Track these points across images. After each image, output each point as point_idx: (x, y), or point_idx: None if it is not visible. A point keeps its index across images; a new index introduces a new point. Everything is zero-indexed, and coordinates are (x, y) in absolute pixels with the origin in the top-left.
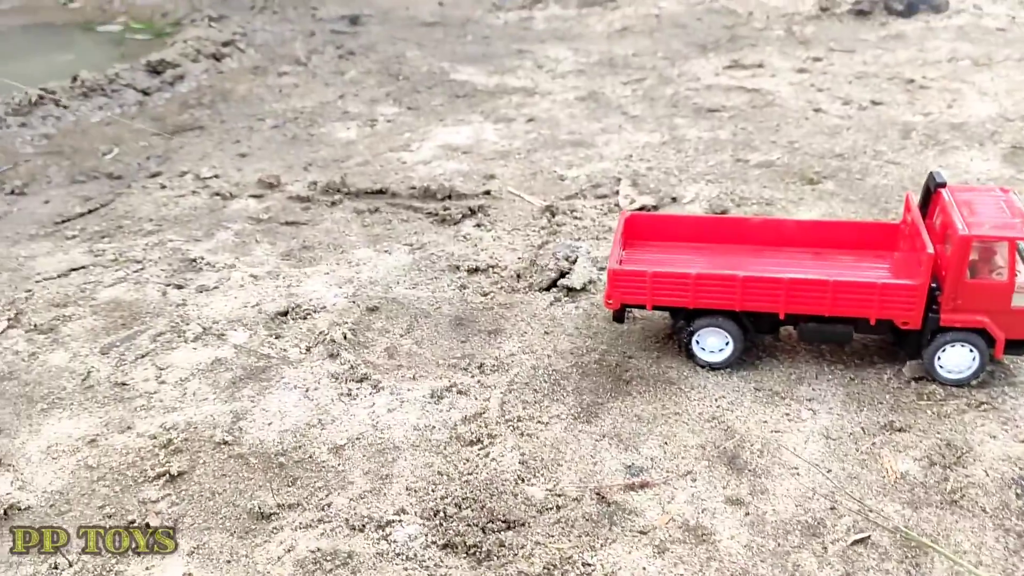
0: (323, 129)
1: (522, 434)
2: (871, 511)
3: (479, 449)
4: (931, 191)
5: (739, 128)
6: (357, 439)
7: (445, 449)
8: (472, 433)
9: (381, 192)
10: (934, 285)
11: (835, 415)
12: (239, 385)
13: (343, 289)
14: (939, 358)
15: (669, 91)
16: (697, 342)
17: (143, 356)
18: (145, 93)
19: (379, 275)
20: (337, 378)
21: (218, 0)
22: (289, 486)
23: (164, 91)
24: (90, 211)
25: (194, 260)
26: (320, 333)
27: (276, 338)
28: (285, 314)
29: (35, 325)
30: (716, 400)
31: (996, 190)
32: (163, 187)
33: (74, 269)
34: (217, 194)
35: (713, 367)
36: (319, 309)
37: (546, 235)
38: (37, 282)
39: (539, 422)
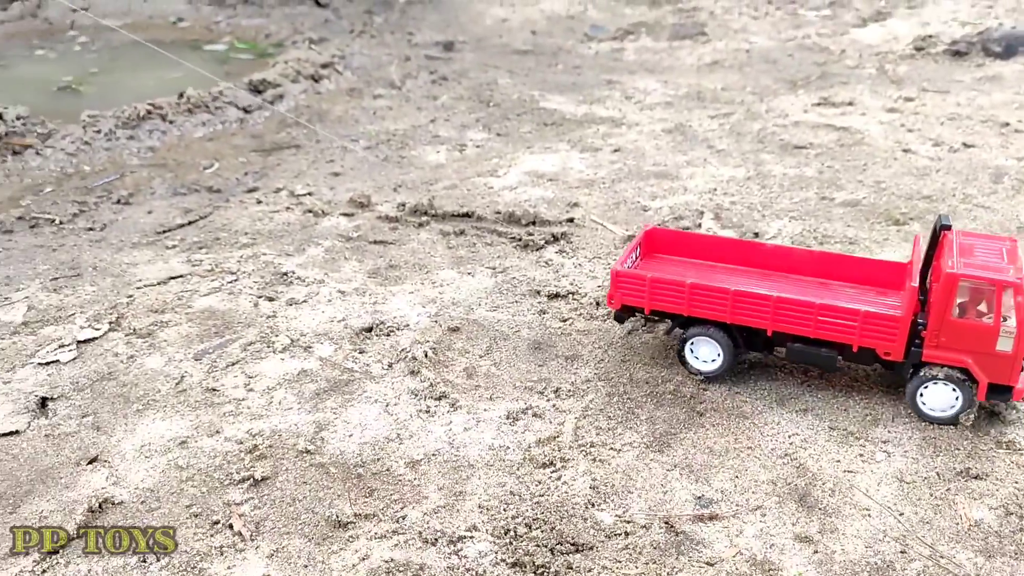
0: (414, 152)
1: (594, 459)
2: (942, 557)
3: (551, 472)
4: (938, 233)
5: (826, 166)
6: (433, 455)
7: (518, 470)
8: (545, 456)
9: (467, 216)
10: (921, 320)
11: (910, 458)
12: (323, 397)
13: (426, 309)
14: (921, 395)
15: (756, 126)
16: (691, 350)
17: (233, 364)
18: (246, 111)
19: (461, 296)
20: (417, 395)
21: (319, 23)
22: (366, 497)
23: (264, 109)
24: (190, 223)
25: (285, 274)
26: (402, 350)
27: (360, 353)
28: (369, 330)
29: (134, 329)
30: (789, 437)
31: (1005, 239)
32: (259, 202)
33: (173, 277)
34: (310, 211)
35: (705, 376)
36: (402, 327)
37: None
38: (138, 288)
39: (612, 448)
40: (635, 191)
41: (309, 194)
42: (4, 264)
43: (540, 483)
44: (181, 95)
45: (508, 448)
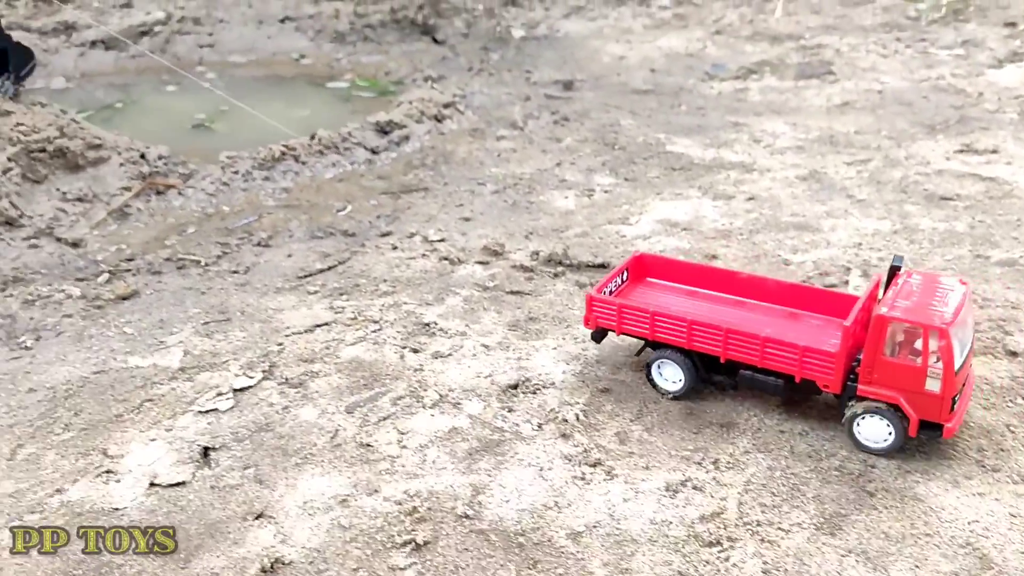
0: (542, 197)
1: (763, 540)
2: None
3: (719, 551)
4: (892, 273)
5: (976, 220)
6: (594, 527)
7: (683, 547)
8: (710, 533)
9: (603, 266)
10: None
11: None
12: (475, 457)
13: (570, 366)
14: (858, 425)
15: (897, 174)
16: (659, 371)
17: (385, 418)
18: (374, 152)
19: (605, 354)
20: (570, 460)
21: (437, 60)
22: (530, 568)
23: (391, 150)
24: (329, 267)
25: (428, 324)
26: (551, 411)
27: (508, 411)
28: (515, 387)
29: (286, 379)
30: (969, 523)
31: (956, 281)
32: (394, 248)
33: (318, 325)
34: (445, 259)
35: (671, 396)
36: (548, 385)
37: None
38: (287, 336)
39: (780, 528)
40: (775, 243)
41: (442, 240)
42: (157, 306)
43: (708, 563)
44: (313, 136)
45: (671, 523)
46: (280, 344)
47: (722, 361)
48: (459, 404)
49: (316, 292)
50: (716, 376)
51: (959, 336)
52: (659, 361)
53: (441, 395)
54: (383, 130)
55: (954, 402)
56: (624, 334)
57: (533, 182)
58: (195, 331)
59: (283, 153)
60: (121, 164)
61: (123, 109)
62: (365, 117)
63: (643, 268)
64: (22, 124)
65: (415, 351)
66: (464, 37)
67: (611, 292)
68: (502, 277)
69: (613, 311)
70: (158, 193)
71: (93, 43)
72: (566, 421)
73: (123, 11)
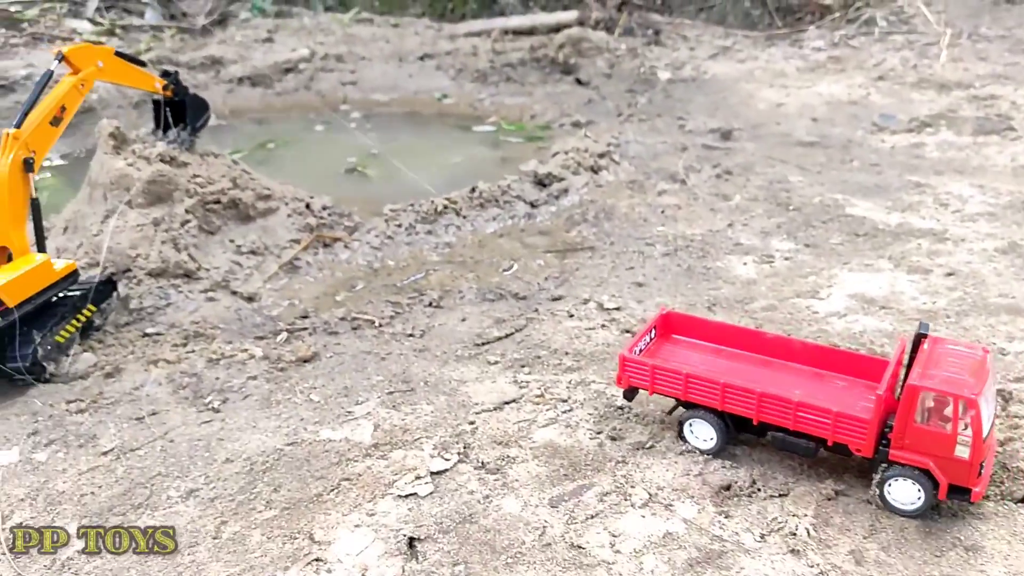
0: (718, 263)
1: None
2: None
3: None
4: (917, 340)
5: None
6: None
7: None
8: None
9: None
10: (891, 422)
11: None
12: (697, 570)
13: (783, 465)
14: (889, 488)
15: None
16: (691, 430)
17: (593, 517)
18: (533, 205)
19: (822, 453)
20: None
21: (583, 103)
22: None
23: (550, 204)
24: (506, 335)
25: (621, 409)
26: (773, 519)
27: (726, 518)
28: (728, 488)
29: (483, 463)
30: None
31: (978, 349)
32: (570, 316)
33: (506, 402)
34: (627, 331)
35: (703, 453)
36: (764, 488)
37: (1007, 428)
38: (477, 413)
39: None
40: (987, 329)
41: (618, 309)
42: (339, 372)
43: None
44: (473, 190)
45: None
46: (472, 423)
47: (755, 423)
48: (671, 506)
49: (497, 363)
50: (745, 433)
51: (986, 405)
52: (691, 420)
53: (650, 494)
54: (541, 183)
55: (981, 467)
56: (657, 393)
57: (706, 244)
58: (381, 401)
59: (445, 207)
60: (289, 215)
61: (275, 150)
62: (519, 167)
63: (670, 325)
64: (198, 176)
65: (613, 439)
66: (607, 78)
67: (640, 351)
68: None
69: (646, 372)
70: (325, 246)
71: (240, 79)
72: (794, 535)
73: (265, 46)
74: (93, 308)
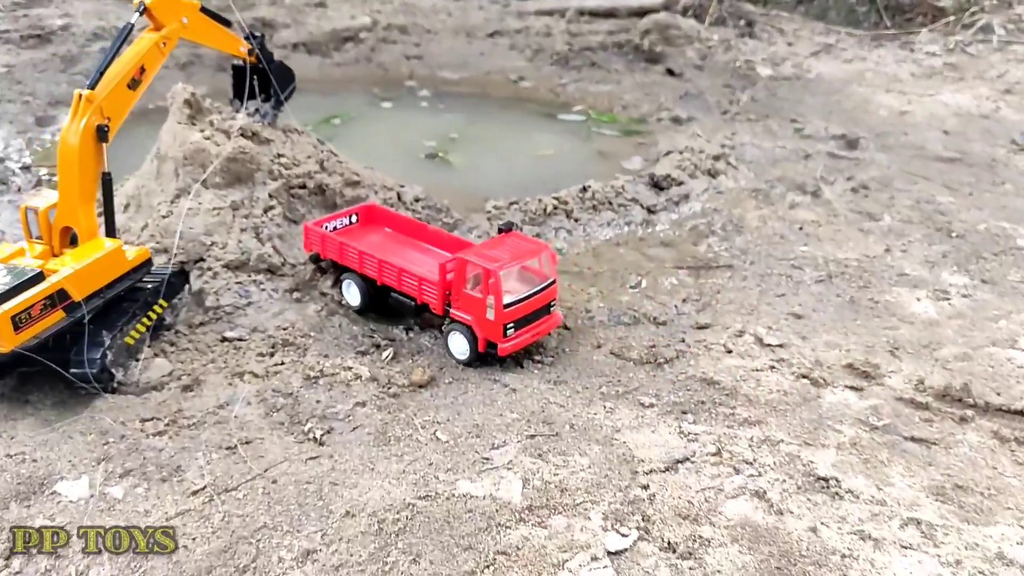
0: (886, 296)
1: None
2: None
3: None
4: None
5: None
6: None
7: None
8: None
9: (1021, 413)
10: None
11: None
12: None
13: None
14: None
15: None
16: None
17: None
18: (650, 211)
19: None
20: None
21: (678, 96)
22: None
23: (669, 211)
24: (656, 367)
25: (825, 480)
26: None
27: None
28: None
29: (669, 543)
30: None
31: (541, 246)
32: (728, 351)
33: (678, 461)
34: (804, 376)
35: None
36: None
37: None
38: (647, 473)
39: None
40: None
41: (782, 345)
42: (464, 404)
43: None
44: (584, 189)
45: None
46: (644, 487)
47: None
48: None
49: (652, 405)
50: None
51: (512, 280)
52: (346, 280)
53: None
54: (658, 185)
55: (506, 329)
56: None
57: (864, 272)
58: (523, 447)
59: (555, 207)
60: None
61: (341, 127)
62: (621, 164)
63: (374, 217)
64: (282, 156)
65: (826, 525)
66: (698, 70)
67: (335, 228)
68: (888, 413)
69: (318, 240)
70: None
71: (295, 45)
72: None
73: (319, 11)
74: (164, 304)
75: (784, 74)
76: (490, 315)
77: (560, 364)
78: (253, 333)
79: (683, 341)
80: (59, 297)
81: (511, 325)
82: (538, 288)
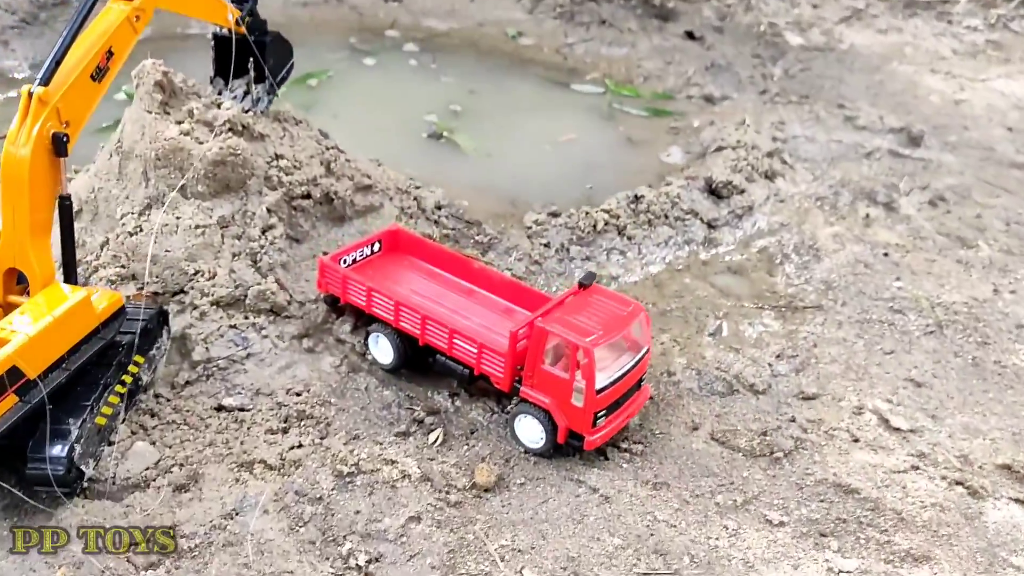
0: (1013, 359)
1: None
2: None
3: None
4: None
5: None
6: None
7: None
8: None
9: None
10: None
11: None
12: None
13: None
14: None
15: None
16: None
17: None
18: (711, 226)
19: None
20: None
21: (703, 67)
22: None
23: (732, 226)
24: (768, 462)
25: None
26: None
27: None
28: None
29: None
30: None
31: (631, 304)
32: (854, 439)
33: None
34: (958, 483)
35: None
36: None
37: None
38: None
39: None
40: None
41: (913, 431)
42: (548, 521)
43: None
44: (636, 199)
45: None
46: None
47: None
48: None
49: (782, 524)
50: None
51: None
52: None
53: None
54: (716, 193)
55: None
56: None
57: (977, 322)
58: None
59: (605, 223)
60: (397, 216)
61: (321, 89)
62: (659, 157)
63: (397, 242)
64: (282, 157)
65: None
66: (719, 32)
67: (355, 260)
68: None
69: (338, 280)
70: None
71: None
72: None
73: None
74: (141, 360)
75: (815, 43)
76: (577, 401)
77: (654, 454)
78: (257, 398)
79: (793, 420)
80: (9, 377)
81: (602, 412)
82: (633, 362)
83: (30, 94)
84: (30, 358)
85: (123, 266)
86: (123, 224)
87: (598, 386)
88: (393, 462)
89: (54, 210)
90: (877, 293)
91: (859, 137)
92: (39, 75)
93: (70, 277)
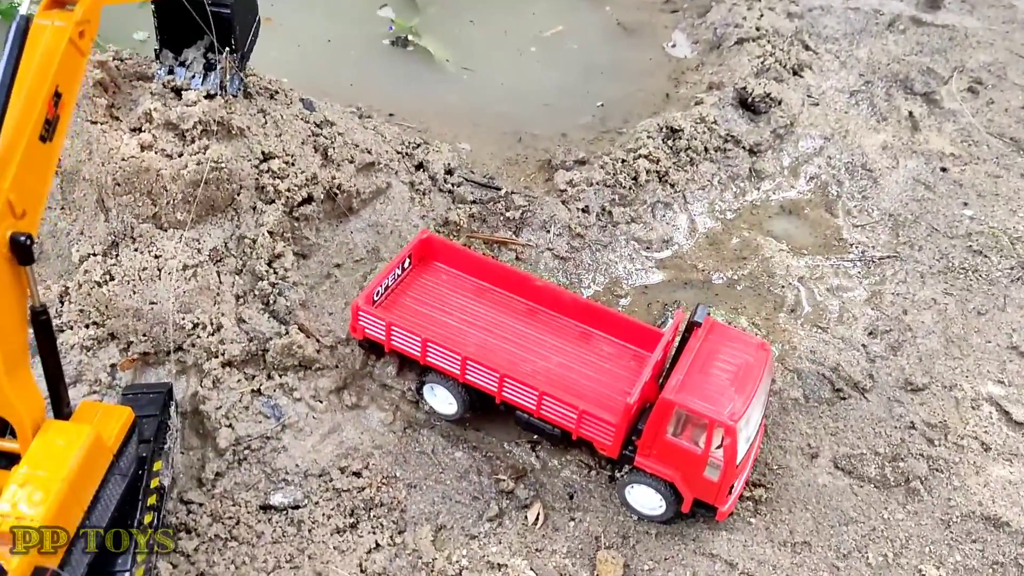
0: None
1: None
2: None
3: None
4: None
5: None
6: None
7: None
8: None
9: None
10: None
11: None
12: None
13: None
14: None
15: None
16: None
17: None
18: (752, 152)
19: None
20: None
21: None
22: None
23: (776, 150)
24: (909, 488)
25: None
26: None
27: None
28: None
29: None
30: None
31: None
32: (984, 447)
33: None
34: None
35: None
36: None
37: None
38: None
39: None
40: None
41: None
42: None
43: None
44: (673, 132)
45: None
46: None
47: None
48: None
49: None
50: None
51: (747, 427)
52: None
53: None
54: (749, 107)
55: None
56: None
57: None
58: None
59: (647, 171)
60: (411, 197)
61: None
62: (664, 47)
63: (430, 251)
64: (271, 156)
65: None
66: None
67: (387, 287)
68: None
69: (382, 327)
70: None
71: None
72: None
73: None
74: (159, 466)
75: None
76: (712, 475)
77: (779, 499)
78: (307, 483)
79: (913, 427)
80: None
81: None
82: (763, 411)
83: None
84: (44, 549)
85: (94, 321)
86: (86, 271)
87: (738, 459)
88: (502, 566)
89: (28, 332)
90: (950, 229)
91: (875, 1)
92: None
93: (61, 410)
